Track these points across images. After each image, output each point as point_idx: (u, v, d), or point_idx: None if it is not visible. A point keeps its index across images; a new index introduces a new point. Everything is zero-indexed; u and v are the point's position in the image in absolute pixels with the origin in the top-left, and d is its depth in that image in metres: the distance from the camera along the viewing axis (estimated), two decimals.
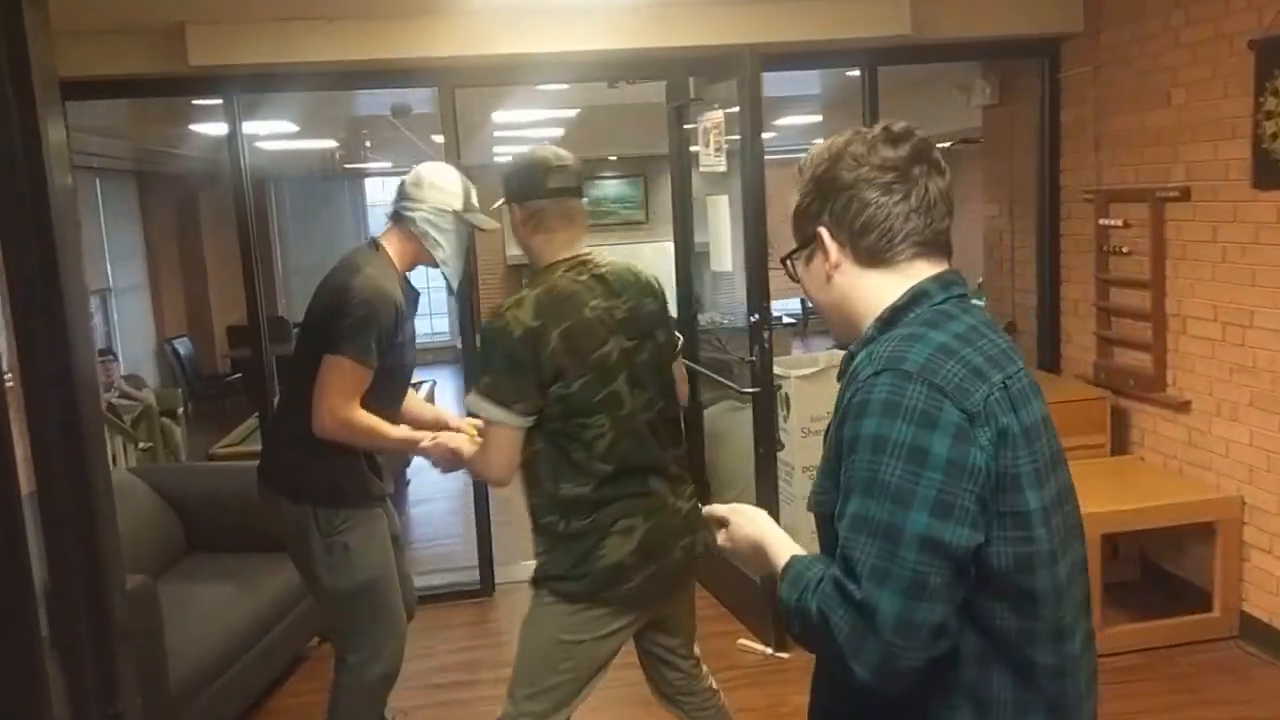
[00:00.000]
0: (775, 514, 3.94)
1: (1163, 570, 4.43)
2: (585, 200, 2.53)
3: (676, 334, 2.61)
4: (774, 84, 5.97)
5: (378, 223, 14.96)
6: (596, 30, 4.32)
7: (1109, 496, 4.05)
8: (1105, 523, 3.92)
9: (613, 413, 2.36)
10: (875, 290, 1.39)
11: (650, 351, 2.46)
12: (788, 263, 1.48)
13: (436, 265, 2.89)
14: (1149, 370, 4.39)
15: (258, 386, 5.13)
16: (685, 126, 4.64)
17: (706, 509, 1.66)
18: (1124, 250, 4.52)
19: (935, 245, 1.40)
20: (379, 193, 13.76)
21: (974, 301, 1.43)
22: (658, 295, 2.53)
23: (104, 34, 4.13)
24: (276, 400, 3.88)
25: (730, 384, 4.40)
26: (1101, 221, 4.63)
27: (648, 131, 10.73)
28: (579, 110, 7.97)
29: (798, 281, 1.49)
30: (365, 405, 2.75)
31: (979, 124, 5.94)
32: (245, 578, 3.96)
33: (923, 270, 1.39)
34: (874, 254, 1.38)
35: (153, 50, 4.19)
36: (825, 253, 1.41)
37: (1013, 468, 1.26)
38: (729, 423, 5.05)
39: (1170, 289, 4.27)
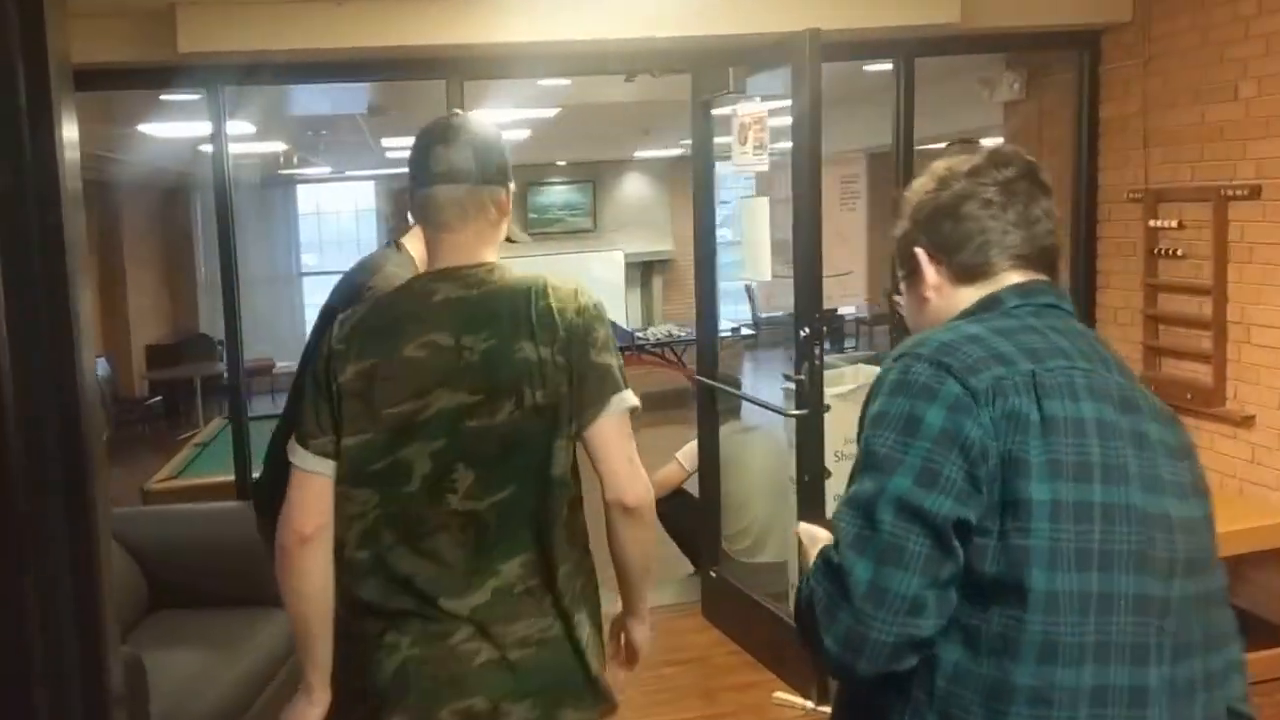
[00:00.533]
0: None
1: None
2: (502, 190, 1.86)
3: (615, 398, 1.77)
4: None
5: (310, 233, 14.51)
6: (619, 17, 3.99)
7: None
8: None
9: (387, 489, 1.76)
10: (966, 304, 1.37)
11: (506, 416, 1.73)
12: (894, 298, 1.46)
13: None
14: (1207, 383, 4.14)
15: (234, 401, 4.65)
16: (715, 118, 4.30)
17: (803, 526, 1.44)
18: (1178, 253, 4.28)
19: (1036, 260, 1.37)
20: (313, 201, 13.21)
21: (1064, 308, 1.38)
22: (557, 339, 1.74)
23: (77, 18, 3.70)
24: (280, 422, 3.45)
25: (773, 406, 4.07)
26: (1151, 223, 4.38)
27: (599, 135, 10.54)
28: (559, 110, 7.60)
29: (904, 312, 1.47)
30: None
31: (999, 121, 5.70)
32: (224, 637, 3.48)
33: (1008, 279, 1.36)
34: (970, 270, 1.36)
35: (134, 36, 3.76)
36: (922, 274, 1.39)
37: (1019, 451, 1.20)
38: (736, 447, 4.73)
39: (1233, 294, 4.03)
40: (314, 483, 1.76)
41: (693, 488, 5.03)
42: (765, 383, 11.61)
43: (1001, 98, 5.42)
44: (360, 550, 1.78)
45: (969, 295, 1.36)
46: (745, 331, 11.40)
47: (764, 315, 8.88)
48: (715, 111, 4.33)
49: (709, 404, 4.51)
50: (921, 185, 1.41)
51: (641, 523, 1.79)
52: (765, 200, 3.97)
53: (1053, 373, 1.25)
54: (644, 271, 13.31)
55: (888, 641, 1.19)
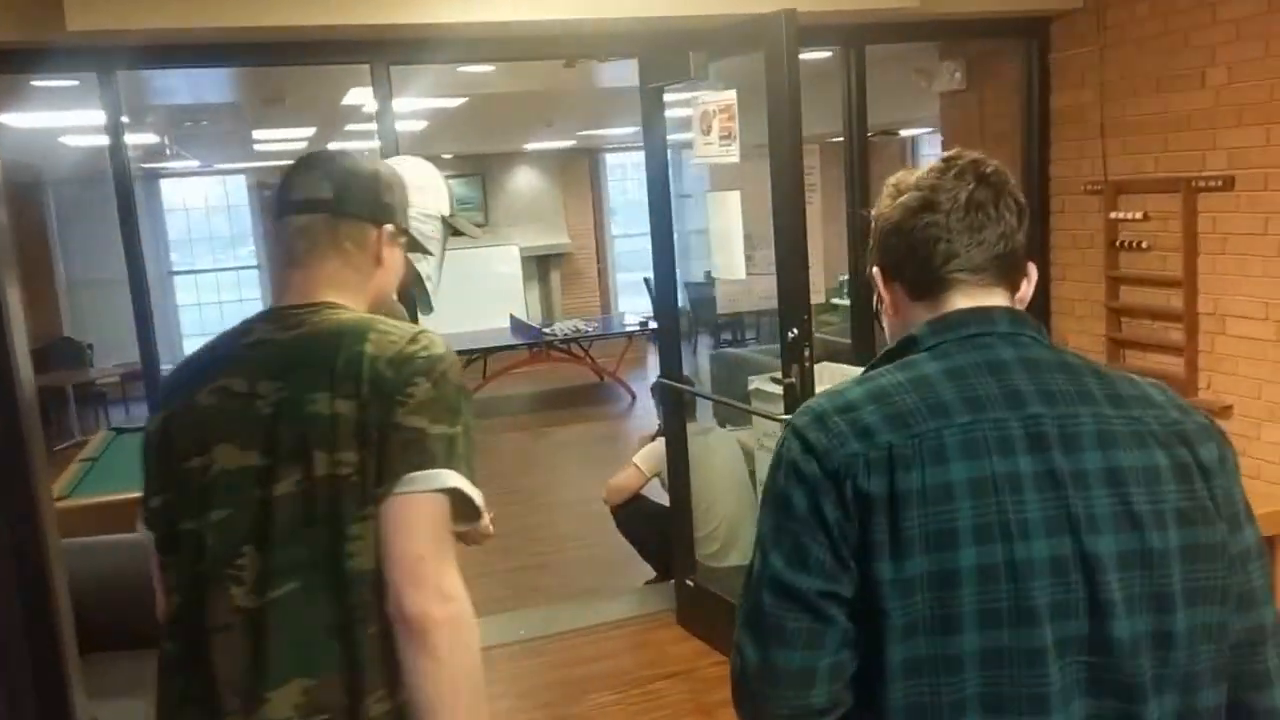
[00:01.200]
0: None
1: None
2: (370, 228, 1.60)
3: (422, 474, 1.39)
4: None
5: (179, 229, 13.66)
6: None
7: None
8: None
9: (182, 562, 1.47)
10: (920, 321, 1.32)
11: (294, 486, 1.40)
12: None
13: (408, 287, 2.06)
14: (1179, 374, 4.07)
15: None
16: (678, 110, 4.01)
17: None
18: (1142, 245, 4.20)
19: (990, 270, 1.28)
20: (180, 195, 12.45)
21: (1020, 335, 1.27)
22: (360, 392, 1.40)
23: None
24: None
25: (763, 413, 3.81)
26: (1112, 215, 4.30)
27: (496, 127, 10.17)
28: (465, 100, 7.18)
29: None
30: None
31: (937, 112, 5.57)
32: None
33: (956, 302, 1.28)
34: (918, 286, 1.31)
35: (13, 13, 3.24)
36: (880, 294, 1.36)
37: (871, 533, 1.18)
38: (698, 449, 4.48)
39: (1205, 286, 3.96)
40: (154, 557, 1.52)
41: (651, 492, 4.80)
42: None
43: (941, 88, 5.29)
44: (169, 640, 1.49)
45: (922, 313, 1.31)
46: (653, 326, 11.18)
47: (723, 313, 8.65)
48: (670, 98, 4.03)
49: (675, 407, 4.22)
50: (879, 202, 1.36)
51: (428, 651, 1.34)
52: (737, 194, 3.69)
53: (919, 439, 1.19)
54: (540, 266, 12.93)
55: (783, 714, 1.23)
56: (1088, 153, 4.42)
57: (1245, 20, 3.66)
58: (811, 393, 3.39)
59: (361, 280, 1.60)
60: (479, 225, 12.98)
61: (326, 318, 1.51)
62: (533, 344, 9.92)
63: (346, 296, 1.57)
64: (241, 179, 12.39)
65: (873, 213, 1.38)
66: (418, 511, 1.38)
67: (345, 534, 1.38)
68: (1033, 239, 4.40)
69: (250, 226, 12.58)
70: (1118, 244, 4.31)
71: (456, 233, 2.14)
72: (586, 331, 10.30)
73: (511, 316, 9.88)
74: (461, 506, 1.43)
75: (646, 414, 9.60)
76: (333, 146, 1.58)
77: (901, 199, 1.30)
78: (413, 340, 1.47)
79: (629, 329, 10.94)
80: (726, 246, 3.74)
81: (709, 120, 3.71)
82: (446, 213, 2.12)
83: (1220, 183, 3.81)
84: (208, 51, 3.68)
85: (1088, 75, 4.38)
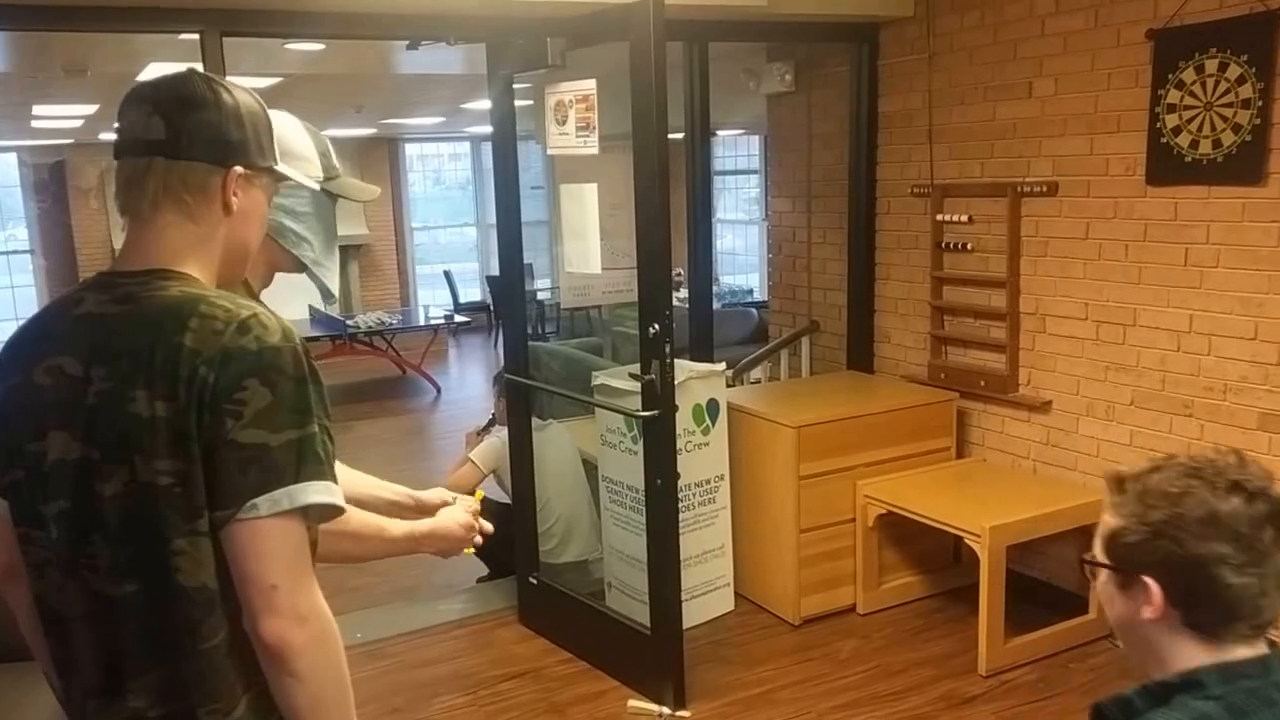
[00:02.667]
0: (677, 550, 3.42)
1: (1023, 576, 4.31)
2: (215, 171, 1.37)
3: (266, 498, 1.25)
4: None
5: None
6: None
7: (993, 507, 3.88)
8: (1008, 535, 3.73)
9: (41, 543, 1.36)
10: (1181, 655, 1.31)
11: (122, 487, 1.28)
12: (1087, 567, 1.38)
13: (300, 270, 1.86)
14: (1001, 370, 4.28)
15: None
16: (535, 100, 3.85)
17: None
18: (967, 247, 4.39)
19: (1268, 626, 1.31)
20: None
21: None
22: (177, 395, 1.24)
23: None
24: None
25: (614, 406, 3.71)
26: (939, 217, 4.47)
27: (296, 110, 9.61)
28: (278, 81, 6.70)
29: (1099, 592, 1.38)
30: None
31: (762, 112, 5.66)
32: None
33: (1238, 653, 1.29)
34: (1201, 626, 1.30)
35: None
36: (1150, 605, 1.30)
37: None
38: (536, 444, 4.36)
39: (1027, 287, 4.17)
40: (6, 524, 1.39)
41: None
42: (473, 370, 11.23)
43: (769, 89, 5.37)
44: (39, 619, 1.41)
45: (1188, 645, 1.30)
46: (458, 319, 10.91)
47: (569, 307, 8.48)
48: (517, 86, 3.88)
49: (521, 402, 4.07)
50: (1156, 492, 1.29)
51: (289, 672, 1.28)
52: (593, 186, 3.58)
53: None
54: (339, 256, 12.37)
55: None
56: (915, 156, 4.59)
57: (1072, 34, 3.87)
58: (672, 388, 3.34)
59: (207, 235, 1.38)
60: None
61: (152, 293, 1.31)
62: (335, 336, 9.48)
63: (188, 258, 1.37)
64: (12, 157, 11.31)
65: (1137, 490, 1.31)
66: (267, 538, 1.25)
67: (170, 548, 1.25)
68: (859, 238, 4.56)
69: (22, 208, 11.51)
70: (943, 245, 4.49)
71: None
72: (390, 324, 9.94)
73: (310, 308, 9.39)
74: (322, 511, 1.31)
75: (452, 407, 9.39)
76: (174, 69, 1.26)
77: (1216, 549, 1.25)
78: (241, 328, 1.27)
79: (434, 322, 10.65)
80: (581, 240, 3.63)
81: (564, 110, 3.59)
82: (320, 180, 1.80)
83: (1044, 188, 4.02)
84: (17, 12, 3.24)
85: (916, 82, 4.53)
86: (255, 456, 1.24)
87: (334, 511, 1.32)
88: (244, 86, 1.43)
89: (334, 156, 1.86)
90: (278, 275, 1.85)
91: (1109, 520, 1.35)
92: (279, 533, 1.25)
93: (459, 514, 1.93)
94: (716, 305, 9.99)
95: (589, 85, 3.46)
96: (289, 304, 2.10)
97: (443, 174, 14.23)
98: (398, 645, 4.15)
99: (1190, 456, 1.32)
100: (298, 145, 1.78)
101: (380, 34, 3.93)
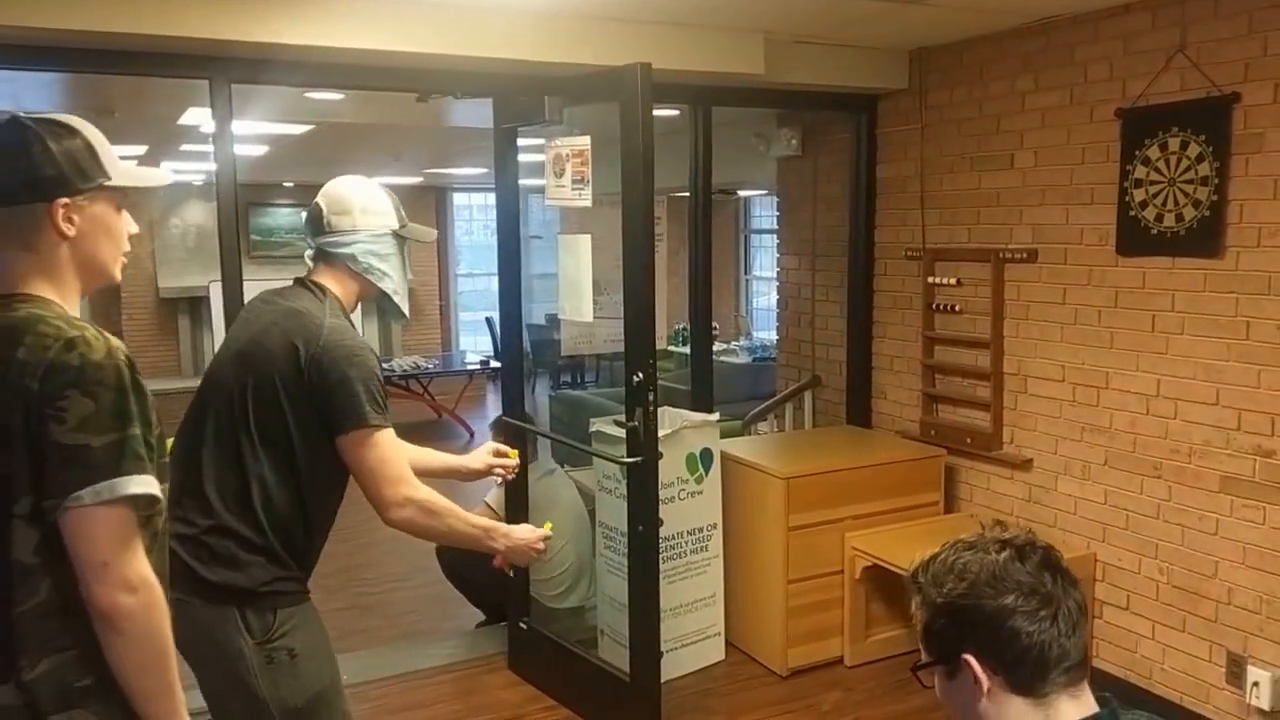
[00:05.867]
0: (656, 598, 3.55)
1: None
2: (35, 206, 1.60)
3: (89, 490, 1.49)
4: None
5: None
6: (419, 31, 3.70)
7: None
8: None
9: None
10: (1020, 717, 1.38)
11: None
12: (919, 674, 1.45)
13: (381, 298, 2.50)
14: (986, 428, 4.42)
15: None
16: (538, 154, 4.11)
17: None
18: (955, 309, 4.55)
19: (1080, 666, 1.39)
20: None
21: None
22: (8, 399, 1.50)
23: None
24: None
25: (605, 455, 3.90)
26: (930, 280, 4.65)
27: (342, 158, 10.01)
28: (311, 128, 7.09)
29: (938, 693, 1.46)
30: (315, 497, 2.29)
31: (772, 175, 5.88)
32: None
33: (1065, 708, 1.37)
34: (1025, 684, 1.37)
35: None
36: (977, 682, 1.38)
37: None
38: (545, 490, 4.57)
39: (1010, 348, 4.32)
40: None
41: None
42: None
43: (778, 153, 5.60)
44: None
45: (1020, 708, 1.37)
46: (494, 364, 11.17)
47: (567, 354, 8.72)
48: (523, 141, 4.13)
49: (515, 446, 4.25)
50: (942, 576, 1.41)
51: (118, 633, 1.53)
52: (587, 237, 3.81)
53: None
54: (380, 299, 12.72)
55: None
56: (909, 221, 4.78)
57: (1050, 110, 4.06)
58: (655, 436, 3.51)
59: (49, 259, 1.61)
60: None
61: (4, 315, 1.56)
62: None
63: (36, 281, 1.61)
64: None
65: (928, 581, 1.42)
66: (95, 523, 1.50)
67: (9, 528, 1.52)
68: (858, 298, 4.75)
69: None
70: (934, 306, 4.66)
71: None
72: (426, 368, 10.24)
73: None
74: (144, 500, 1.55)
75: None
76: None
77: (1009, 601, 1.35)
78: (68, 346, 1.51)
79: (469, 367, 10.92)
80: (575, 288, 3.86)
81: (562, 164, 3.83)
82: (396, 228, 2.45)
83: (1025, 255, 4.19)
84: (38, 55, 3.53)
85: (910, 150, 4.74)
86: (79, 455, 1.48)
87: (153, 501, 1.56)
88: (65, 119, 1.64)
89: (403, 209, 2.51)
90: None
91: (918, 617, 1.44)
92: (104, 518, 1.50)
93: (534, 532, 2.47)
94: (748, 359, 10.17)
95: (584, 141, 3.70)
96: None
97: (494, 224, 14.62)
98: (383, 688, 4.19)
99: (959, 537, 1.44)
100: (378, 203, 2.45)
101: (388, 85, 4.15)
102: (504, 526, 2.52)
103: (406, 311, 2.54)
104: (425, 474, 2.46)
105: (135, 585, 1.52)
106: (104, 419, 1.50)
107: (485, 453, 2.79)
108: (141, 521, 1.57)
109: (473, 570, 4.69)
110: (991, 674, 1.37)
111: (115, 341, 1.57)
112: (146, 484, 1.54)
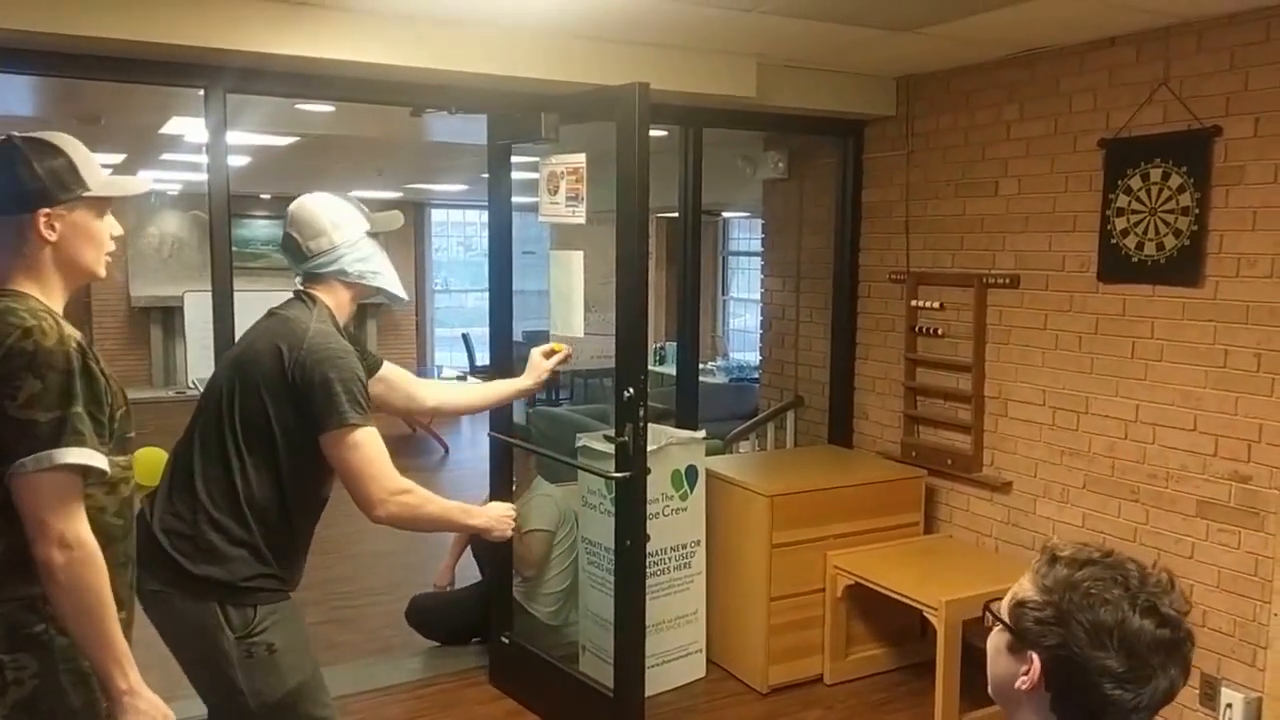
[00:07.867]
0: (642, 613, 3.57)
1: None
2: (21, 216, 1.86)
3: (32, 458, 1.75)
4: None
5: None
6: (417, 47, 3.73)
7: (953, 582, 4.01)
8: (964, 609, 3.82)
9: None
10: None
11: None
12: (988, 614, 1.45)
13: (377, 294, 2.70)
14: (967, 450, 4.49)
15: None
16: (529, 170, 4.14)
17: None
18: (938, 332, 4.62)
19: None
20: None
21: None
22: None
23: None
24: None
25: (594, 469, 3.92)
26: (913, 303, 4.72)
27: (321, 171, 10.03)
28: (296, 140, 7.09)
29: (989, 641, 1.45)
30: (296, 492, 2.42)
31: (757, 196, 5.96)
32: None
33: None
34: (1068, 716, 1.36)
35: None
36: (1028, 677, 1.36)
37: None
38: (560, 504, 4.59)
39: (991, 372, 4.40)
40: None
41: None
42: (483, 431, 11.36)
43: (764, 175, 5.67)
44: None
45: None
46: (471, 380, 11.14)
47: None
48: (517, 159, 4.17)
49: (504, 461, 4.28)
50: (1080, 600, 1.33)
51: (56, 583, 1.76)
52: (580, 253, 3.85)
53: None
54: (357, 313, 12.71)
55: None
56: (893, 245, 4.85)
57: (1034, 140, 4.15)
58: (644, 451, 3.54)
59: (33, 260, 1.85)
60: (288, 269, 12.67)
61: None
62: None
63: (20, 279, 1.85)
64: None
65: (1046, 562, 1.39)
66: (36, 487, 1.73)
67: None
68: (842, 320, 4.80)
69: None
70: (917, 329, 4.73)
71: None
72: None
73: None
74: (83, 470, 1.76)
75: (459, 467, 9.55)
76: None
77: (1108, 661, 1.31)
78: (25, 334, 1.74)
79: (445, 381, 10.89)
80: (566, 304, 3.89)
81: (556, 181, 3.87)
82: (368, 229, 2.62)
83: (1007, 280, 4.27)
84: (35, 59, 3.52)
85: (896, 175, 4.82)
86: (27, 429, 1.72)
87: (95, 471, 1.78)
88: (51, 138, 1.88)
89: (365, 209, 2.67)
90: None
91: (1026, 586, 1.39)
92: (44, 483, 1.73)
93: (503, 506, 2.67)
94: (725, 380, 10.23)
95: (579, 159, 3.74)
96: None
97: (471, 240, 14.65)
98: (361, 702, 4.17)
99: (1126, 560, 1.36)
100: (343, 214, 2.60)
101: (384, 99, 4.16)
102: (476, 506, 2.68)
103: (403, 294, 2.73)
104: (496, 404, 3.25)
105: (70, 542, 1.73)
106: (50, 397, 1.73)
107: (538, 365, 3.15)
108: (106, 489, 1.83)
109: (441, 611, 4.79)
110: (1045, 688, 1.35)
111: (69, 330, 1.79)
112: (84, 455, 1.75)
